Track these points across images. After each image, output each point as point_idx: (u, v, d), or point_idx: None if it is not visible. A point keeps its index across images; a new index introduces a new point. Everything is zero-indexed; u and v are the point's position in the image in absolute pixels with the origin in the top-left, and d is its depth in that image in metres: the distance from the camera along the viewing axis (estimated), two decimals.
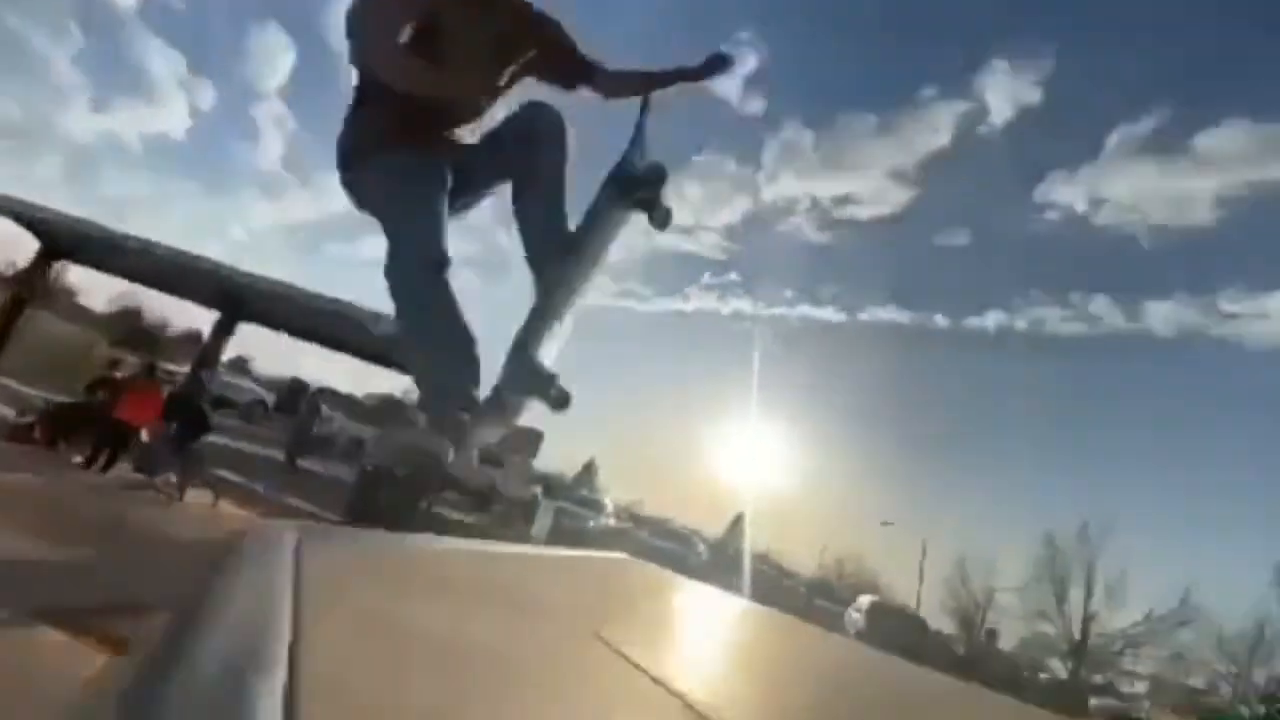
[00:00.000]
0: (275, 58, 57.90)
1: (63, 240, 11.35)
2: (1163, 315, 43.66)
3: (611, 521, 20.64)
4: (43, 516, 5.13)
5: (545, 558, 3.65)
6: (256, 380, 28.46)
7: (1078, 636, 34.33)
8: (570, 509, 17.51)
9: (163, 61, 53.76)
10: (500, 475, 16.50)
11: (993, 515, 54.23)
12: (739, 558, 28.98)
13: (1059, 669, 32.99)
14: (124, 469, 7.89)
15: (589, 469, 41.40)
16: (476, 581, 1.93)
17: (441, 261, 1.65)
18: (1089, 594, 34.48)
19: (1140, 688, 26.82)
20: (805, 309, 52.09)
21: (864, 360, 59.19)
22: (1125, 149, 42.61)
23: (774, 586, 27.42)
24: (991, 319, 45.91)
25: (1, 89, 49.49)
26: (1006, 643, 30.56)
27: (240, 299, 11.37)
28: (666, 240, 52.87)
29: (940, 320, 47.27)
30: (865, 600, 21.40)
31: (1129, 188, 44.20)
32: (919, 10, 52.76)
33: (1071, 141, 53.07)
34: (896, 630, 17.53)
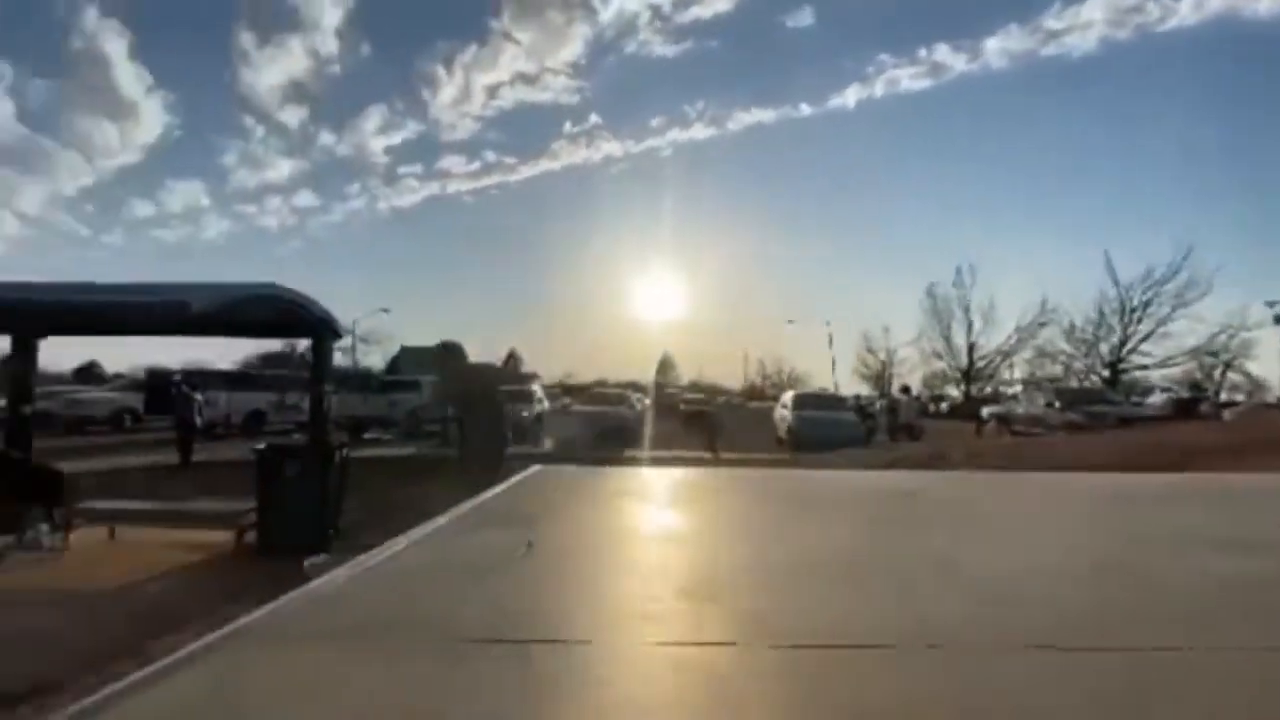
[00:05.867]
0: None
1: None
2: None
3: (545, 405, 21.32)
4: None
5: None
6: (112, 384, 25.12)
7: (965, 363, 41.20)
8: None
9: None
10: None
11: (878, 285, 64.76)
12: (674, 397, 31.62)
13: (955, 394, 39.64)
14: None
15: (512, 359, 43.17)
16: None
17: None
18: (969, 327, 40.94)
19: (1016, 389, 30.67)
20: (675, 134, 55.71)
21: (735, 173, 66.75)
22: None
23: (705, 405, 28.04)
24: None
25: None
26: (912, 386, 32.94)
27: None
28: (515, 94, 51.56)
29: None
30: (788, 396, 21.83)
31: None
32: None
33: None
34: (821, 410, 18.98)
